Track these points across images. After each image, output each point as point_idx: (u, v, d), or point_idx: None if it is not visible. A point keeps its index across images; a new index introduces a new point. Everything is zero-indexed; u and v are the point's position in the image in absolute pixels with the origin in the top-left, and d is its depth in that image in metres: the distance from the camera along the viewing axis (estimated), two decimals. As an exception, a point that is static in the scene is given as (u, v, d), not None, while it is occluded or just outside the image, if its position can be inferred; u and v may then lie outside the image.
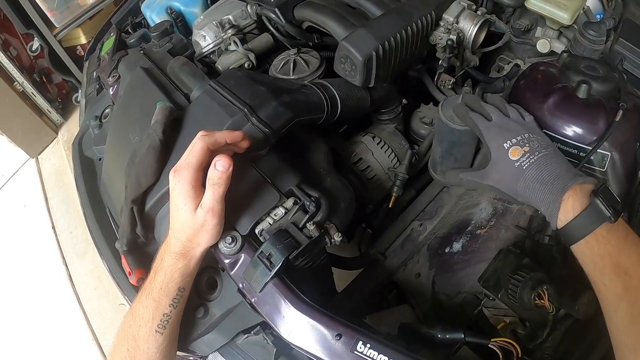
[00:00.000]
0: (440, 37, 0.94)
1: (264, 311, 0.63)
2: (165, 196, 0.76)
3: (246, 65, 0.96)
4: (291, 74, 0.90)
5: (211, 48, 1.00)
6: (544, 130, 0.71)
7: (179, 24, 1.28)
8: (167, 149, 0.76)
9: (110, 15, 1.46)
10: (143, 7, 1.34)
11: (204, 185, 0.61)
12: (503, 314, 0.73)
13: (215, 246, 0.66)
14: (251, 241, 0.67)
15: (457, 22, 0.93)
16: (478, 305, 0.78)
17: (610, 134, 0.67)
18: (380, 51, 0.81)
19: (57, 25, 2.07)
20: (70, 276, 1.82)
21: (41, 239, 2.00)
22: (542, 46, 0.96)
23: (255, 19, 1.01)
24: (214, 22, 0.99)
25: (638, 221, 0.74)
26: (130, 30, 1.47)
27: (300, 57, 0.92)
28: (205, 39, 1.00)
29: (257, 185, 0.69)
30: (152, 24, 1.34)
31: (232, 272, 0.67)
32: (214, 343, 0.69)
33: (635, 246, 0.51)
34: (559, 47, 0.95)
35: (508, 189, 0.62)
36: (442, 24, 0.93)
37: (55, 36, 2.03)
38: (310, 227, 0.64)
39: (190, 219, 0.62)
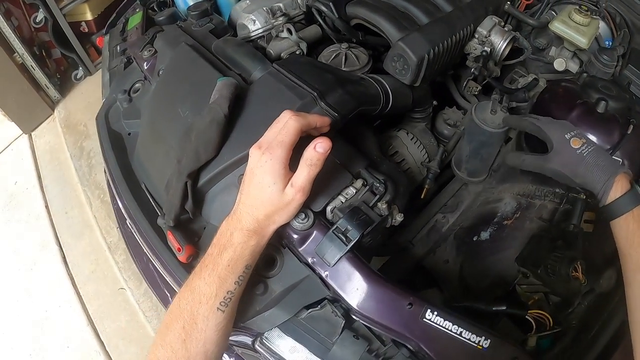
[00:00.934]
0: (475, 47, 1.01)
1: (336, 284, 0.64)
2: (222, 173, 0.75)
3: (297, 52, 0.95)
4: (342, 66, 0.92)
5: (260, 33, 0.99)
6: None
7: (211, 6, 1.29)
8: (229, 125, 0.75)
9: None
10: None
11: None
12: (534, 290, 0.80)
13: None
14: (321, 218, 0.68)
15: (489, 36, 1.00)
16: (506, 287, 0.85)
17: (623, 144, 0.80)
18: (431, 54, 0.85)
19: (64, -2, 1.97)
20: (64, 258, 1.72)
21: (33, 218, 1.88)
22: (559, 65, 1.06)
23: (304, 10, 1.01)
24: (264, 8, 0.98)
25: None
26: (155, 8, 1.46)
27: (351, 51, 0.93)
28: (255, 24, 0.98)
29: (330, 166, 0.68)
30: (181, 4, 1.33)
31: (302, 248, 0.67)
32: (275, 319, 0.68)
33: None
34: (573, 66, 1.06)
35: (571, 171, 0.73)
36: (476, 36, 1.00)
37: (61, 9, 1.94)
38: (382, 205, 0.67)
39: (276, 197, 0.60)
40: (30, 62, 2.04)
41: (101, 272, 1.67)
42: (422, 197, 0.96)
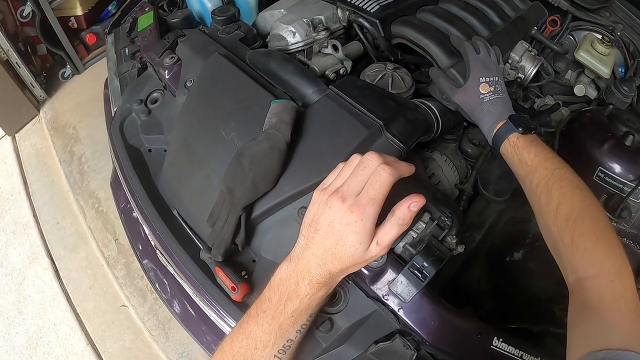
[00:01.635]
0: (508, 72, 1.02)
1: (411, 319, 0.63)
2: (280, 205, 0.71)
3: (341, 71, 0.91)
4: (389, 88, 0.88)
5: (301, 46, 0.93)
6: (600, 168, 0.89)
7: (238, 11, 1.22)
8: (288, 153, 0.69)
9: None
10: None
11: None
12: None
13: None
14: (393, 255, 0.66)
15: (520, 61, 1.02)
16: (540, 306, 0.89)
17: None
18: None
19: (54, -9, 1.77)
20: (57, 272, 1.58)
21: (20, 227, 1.72)
22: (579, 90, 1.10)
23: (345, 24, 0.96)
24: (304, 20, 0.92)
25: None
26: (165, 8, 1.37)
27: (396, 72, 0.90)
28: (294, 36, 0.92)
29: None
30: (197, 6, 1.25)
31: (374, 285, 0.64)
32: (345, 356, 0.65)
33: (535, 149, 0.72)
34: (591, 92, 1.10)
35: (468, 110, 0.81)
36: (510, 61, 1.02)
37: (50, 3, 1.77)
38: (452, 240, 0.65)
39: (359, 255, 0.56)
40: (15, 58, 1.86)
41: (100, 288, 1.53)
42: None
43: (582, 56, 1.05)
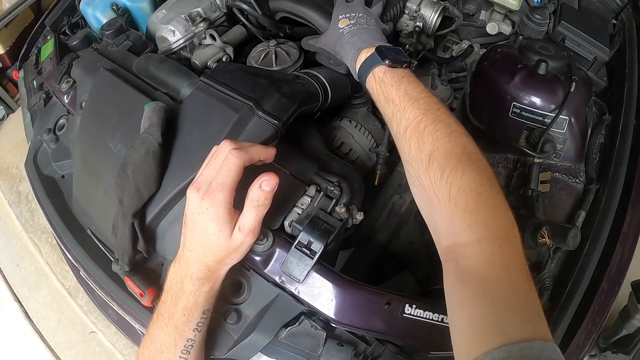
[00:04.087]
0: (406, 24, 0.99)
1: (309, 299, 0.62)
2: (169, 206, 0.70)
3: (224, 58, 0.89)
4: (274, 65, 0.86)
5: (182, 43, 0.91)
6: (514, 103, 0.84)
7: (126, 21, 1.20)
8: (165, 153, 0.69)
9: (42, 18, 1.32)
10: (82, 6, 1.19)
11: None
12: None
13: None
14: (280, 235, 0.64)
15: (419, 10, 0.99)
16: None
17: (568, 102, 0.80)
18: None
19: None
20: (27, 313, 1.58)
21: None
22: (492, 28, 1.06)
23: (225, 11, 0.94)
24: (182, 16, 0.90)
25: (592, 166, 0.88)
26: (68, 32, 1.34)
27: (280, 48, 0.88)
28: (174, 34, 0.90)
29: (280, 179, 0.66)
30: (94, 23, 1.23)
31: (267, 269, 0.63)
32: (256, 344, 0.65)
33: (404, 86, 0.62)
34: (505, 28, 1.06)
35: (330, 48, 0.77)
36: (406, 11, 0.99)
37: None
38: (341, 209, 0.63)
39: (224, 243, 0.55)
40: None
41: (67, 320, 1.55)
42: (375, 183, 0.93)
43: (486, -8, 0.99)
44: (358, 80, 0.72)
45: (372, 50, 0.67)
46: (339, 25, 0.75)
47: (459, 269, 0.50)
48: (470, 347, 0.44)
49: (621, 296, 1.64)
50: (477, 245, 0.49)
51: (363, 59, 0.68)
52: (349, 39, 0.73)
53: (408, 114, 0.59)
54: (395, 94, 0.62)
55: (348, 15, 0.76)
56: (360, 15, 0.76)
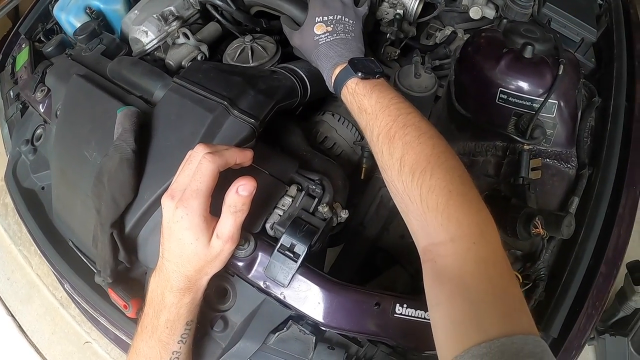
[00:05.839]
0: (387, 12, 0.97)
1: (296, 303, 0.60)
2: (147, 213, 0.68)
3: (199, 57, 0.86)
4: (250, 61, 0.84)
5: (155, 44, 0.89)
6: (500, 89, 0.81)
7: (101, 24, 1.17)
8: (140, 159, 0.67)
9: (16, 26, 1.29)
10: (56, 11, 1.17)
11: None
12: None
13: None
14: (263, 238, 0.62)
15: None
16: None
17: (556, 86, 0.78)
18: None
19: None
20: (21, 327, 1.57)
21: None
22: (475, 13, 1.02)
23: (199, 8, 0.91)
24: (154, 16, 0.87)
25: (584, 151, 0.86)
26: (43, 39, 1.31)
27: (256, 43, 0.85)
28: (147, 35, 0.88)
29: (259, 180, 0.61)
30: (69, 28, 1.20)
31: (251, 274, 0.61)
32: (244, 352, 0.63)
33: (376, 94, 0.63)
34: (489, 12, 1.02)
35: (307, 55, 0.76)
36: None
37: None
38: (324, 208, 0.61)
39: (202, 252, 0.54)
40: None
41: (61, 332, 1.54)
42: (362, 177, 0.91)
43: (466, -25, 0.96)
44: (333, 92, 0.72)
45: (344, 65, 0.69)
46: (315, 31, 0.73)
47: (436, 268, 0.50)
48: (450, 345, 0.45)
49: (618, 278, 1.64)
50: (451, 243, 0.49)
51: (337, 72, 0.69)
52: (324, 51, 0.72)
53: (379, 121, 0.61)
54: (367, 104, 0.63)
55: (325, 18, 0.74)
56: (338, 18, 0.74)
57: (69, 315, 1.54)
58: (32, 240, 0.98)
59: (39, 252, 1.65)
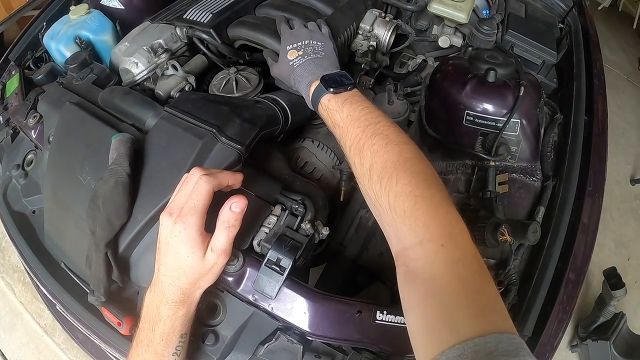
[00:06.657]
0: (361, 44, 1.05)
1: (283, 314, 0.64)
2: (141, 234, 0.72)
3: (187, 88, 0.92)
4: (235, 92, 0.90)
5: (145, 75, 0.94)
6: (467, 111, 0.88)
7: (90, 54, 1.23)
8: (134, 182, 0.71)
9: (6, 53, 1.33)
10: (46, 40, 1.22)
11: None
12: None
13: None
14: (250, 254, 0.67)
15: (372, 30, 1.04)
16: None
17: (518, 106, 0.85)
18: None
19: None
20: (4, 355, 1.54)
21: None
22: (444, 42, 1.12)
23: (186, 41, 0.97)
24: (144, 48, 0.93)
25: (548, 164, 0.93)
26: (32, 66, 1.35)
27: (240, 74, 0.92)
28: (137, 66, 0.93)
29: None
30: (58, 57, 1.25)
31: (240, 288, 0.66)
32: None
33: (347, 108, 0.67)
34: (457, 41, 1.12)
35: (285, 80, 0.82)
36: (360, 32, 1.04)
37: None
38: (306, 226, 0.67)
39: (197, 265, 0.58)
40: None
41: (45, 358, 1.53)
42: (341, 199, 0.96)
43: (436, 8, 1.07)
44: (314, 110, 0.76)
45: (317, 82, 0.72)
46: (289, 57, 0.79)
47: (408, 272, 0.51)
48: (426, 348, 0.45)
49: (596, 285, 1.72)
50: (420, 247, 0.50)
51: (312, 90, 0.73)
52: (299, 73, 0.77)
53: (350, 134, 0.64)
54: (339, 118, 0.67)
55: (295, 45, 0.80)
56: (306, 42, 0.80)
57: (53, 343, 1.53)
58: (21, 266, 1.00)
59: (21, 279, 1.67)
